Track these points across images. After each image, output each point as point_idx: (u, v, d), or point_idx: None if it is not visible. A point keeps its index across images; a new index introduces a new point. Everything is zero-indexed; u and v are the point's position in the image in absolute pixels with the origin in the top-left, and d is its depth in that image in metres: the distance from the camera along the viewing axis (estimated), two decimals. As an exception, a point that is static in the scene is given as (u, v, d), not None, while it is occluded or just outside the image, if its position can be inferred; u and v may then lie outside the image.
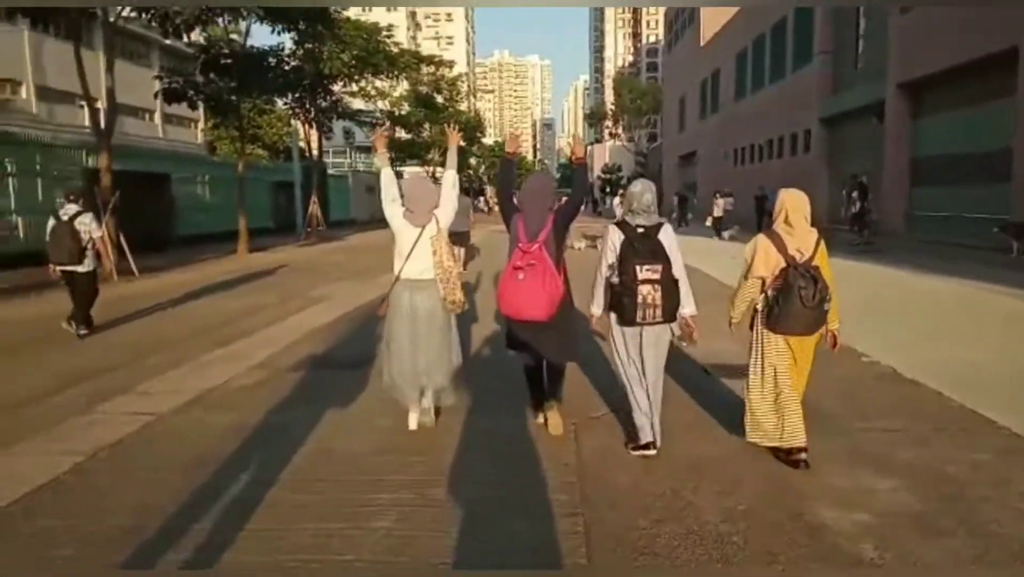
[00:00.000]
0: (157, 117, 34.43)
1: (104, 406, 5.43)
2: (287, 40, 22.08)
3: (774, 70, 34.43)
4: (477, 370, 6.42)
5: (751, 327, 4.28)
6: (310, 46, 20.57)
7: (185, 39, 18.16)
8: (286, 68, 21.02)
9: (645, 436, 4.29)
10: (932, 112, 21.20)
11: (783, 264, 4.00)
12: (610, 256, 4.20)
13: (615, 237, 4.20)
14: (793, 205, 4.06)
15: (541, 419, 4.85)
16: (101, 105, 18.14)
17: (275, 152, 38.49)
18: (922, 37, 20.37)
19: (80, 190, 8.89)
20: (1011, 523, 3.43)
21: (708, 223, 25.19)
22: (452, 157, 5.14)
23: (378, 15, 34.03)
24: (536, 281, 4.25)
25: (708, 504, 3.68)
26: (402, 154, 43.93)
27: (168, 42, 32.69)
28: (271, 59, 21.77)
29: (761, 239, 4.12)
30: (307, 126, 26.47)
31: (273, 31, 22.24)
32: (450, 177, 4.98)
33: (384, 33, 23.65)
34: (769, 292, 4.07)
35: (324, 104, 25.68)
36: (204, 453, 4.39)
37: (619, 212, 18.73)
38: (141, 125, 33.52)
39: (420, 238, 4.64)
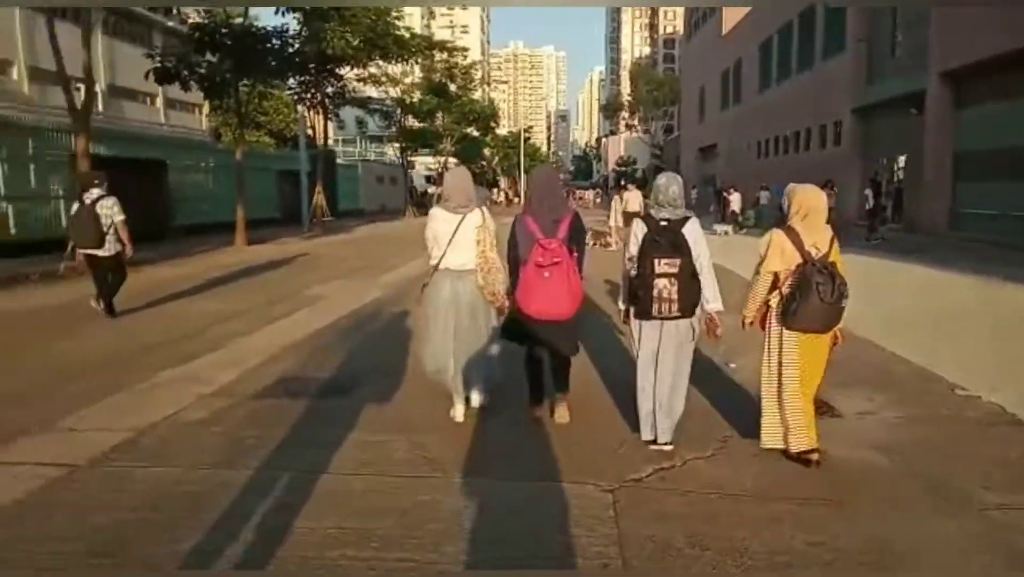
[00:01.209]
0: (159, 102, 33.35)
1: (5, 450, 4.27)
2: (291, 21, 20.95)
3: (802, 59, 32.88)
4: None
5: (763, 325, 4.20)
6: (314, 26, 19.28)
7: (182, 18, 16.98)
8: (290, 51, 19.79)
9: (645, 433, 4.31)
10: (978, 103, 19.72)
11: (799, 260, 3.95)
12: (632, 249, 4.17)
13: (638, 230, 4.15)
14: (812, 202, 4.03)
15: (539, 413, 4.80)
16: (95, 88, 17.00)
17: (282, 140, 37.29)
18: (967, 24, 18.87)
19: (103, 175, 8.83)
20: None
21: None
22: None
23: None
24: (562, 281, 4.21)
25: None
26: (414, 143, 42.71)
27: (170, 24, 31.70)
28: (274, 40, 20.64)
29: (776, 233, 4.05)
30: (313, 112, 25.22)
31: (277, 11, 21.11)
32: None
33: (394, 14, 22.35)
34: (784, 289, 4.00)
35: (331, 89, 24.47)
36: (110, 541, 3.18)
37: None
38: (142, 110, 32.37)
39: (460, 226, 4.61)
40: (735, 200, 25.01)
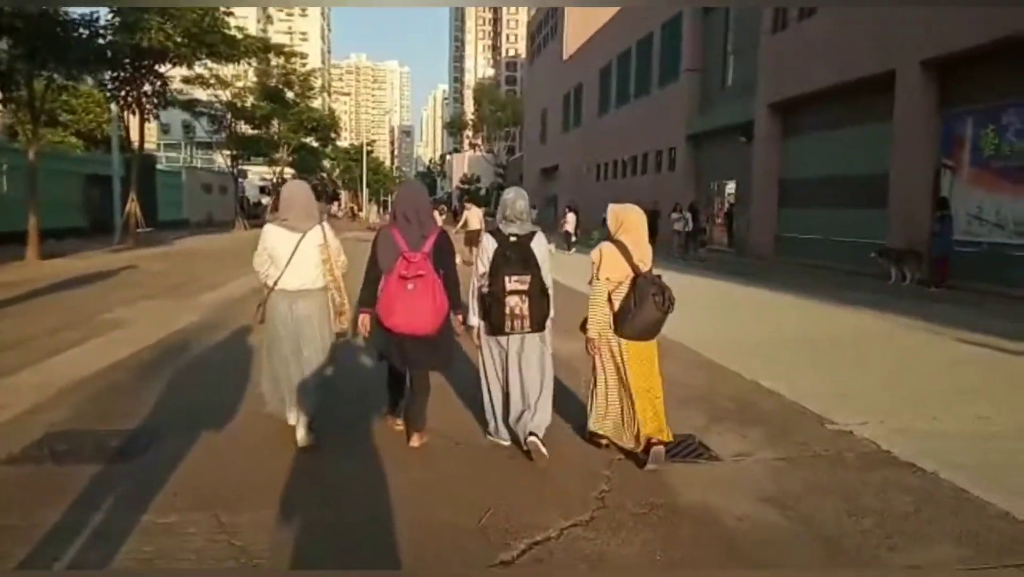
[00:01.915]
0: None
1: None
2: (103, 10, 18.49)
3: (639, 86, 34.10)
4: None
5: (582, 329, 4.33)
6: (128, 16, 16.97)
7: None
8: (99, 41, 17.38)
9: (502, 434, 4.43)
10: (803, 133, 21.01)
11: (629, 272, 4.15)
12: (482, 265, 4.20)
13: (489, 245, 4.18)
14: (635, 220, 4.26)
15: (399, 426, 4.69)
16: None
17: (92, 141, 33.37)
18: (795, 57, 20.10)
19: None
20: None
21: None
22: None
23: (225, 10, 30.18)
24: (426, 295, 4.10)
25: None
26: (246, 151, 39.92)
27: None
28: (81, 30, 18.14)
29: (606, 246, 4.24)
30: (127, 112, 22.46)
31: (86, -2, 18.62)
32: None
33: (223, 11, 20.36)
34: (615, 300, 4.15)
35: (149, 88, 21.94)
36: None
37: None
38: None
39: (300, 245, 4.42)
40: (570, 220, 25.08)
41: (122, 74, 20.52)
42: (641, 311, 4.07)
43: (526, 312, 4.05)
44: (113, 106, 23.73)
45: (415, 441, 4.48)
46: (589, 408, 4.45)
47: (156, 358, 6.91)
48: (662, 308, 4.09)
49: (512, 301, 4.04)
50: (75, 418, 4.96)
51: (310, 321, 4.50)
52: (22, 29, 14.87)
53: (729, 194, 26.43)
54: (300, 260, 4.42)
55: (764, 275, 16.63)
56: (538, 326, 4.15)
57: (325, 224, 4.61)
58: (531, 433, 4.19)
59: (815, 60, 18.97)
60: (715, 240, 25.73)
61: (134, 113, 22.38)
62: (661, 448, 4.13)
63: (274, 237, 4.45)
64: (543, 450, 4.16)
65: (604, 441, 4.42)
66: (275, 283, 4.46)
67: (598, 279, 4.21)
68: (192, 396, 5.63)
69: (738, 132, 24.07)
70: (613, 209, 4.37)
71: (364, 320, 4.42)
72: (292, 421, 4.51)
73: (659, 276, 4.19)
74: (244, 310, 9.85)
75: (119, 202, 23.62)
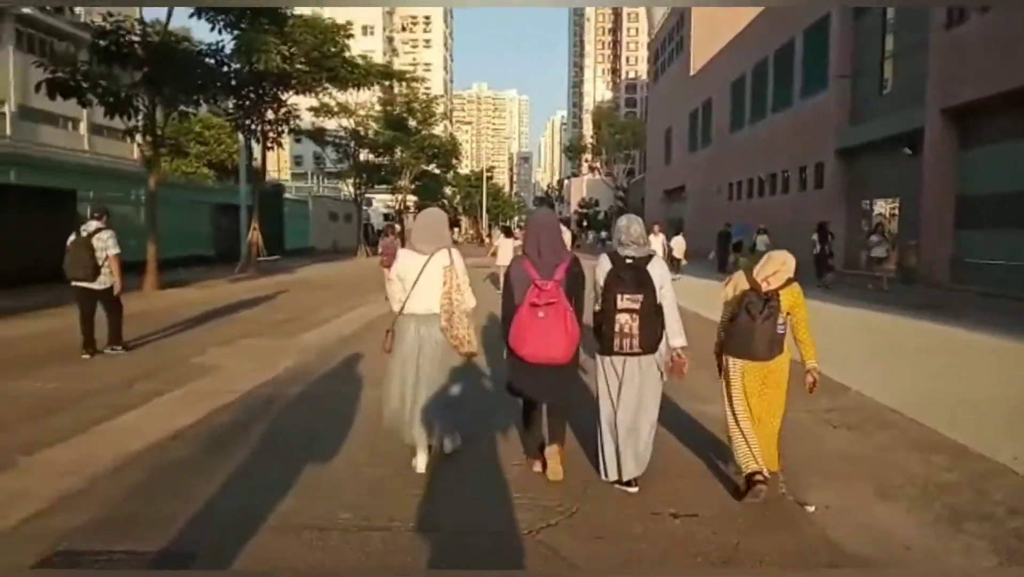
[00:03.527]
0: (83, 127, 30.21)
1: None
2: (227, 38, 18.41)
3: (778, 98, 31.38)
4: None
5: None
6: (244, 37, 16.60)
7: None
8: (217, 66, 17.16)
9: (609, 473, 4.26)
10: (988, 142, 17.95)
11: (747, 288, 4.11)
12: (598, 285, 4.20)
13: (604, 266, 4.20)
14: (774, 264, 4.14)
15: (538, 466, 4.49)
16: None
17: (224, 171, 34.35)
18: (977, 54, 17.23)
19: (103, 207, 8.68)
20: None
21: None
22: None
23: (357, 43, 30.16)
24: (558, 321, 4.03)
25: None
26: (370, 179, 40.14)
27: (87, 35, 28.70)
28: (208, 59, 18.09)
29: (737, 274, 4.29)
30: (251, 139, 22.42)
31: (212, 28, 18.57)
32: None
33: (343, 33, 19.91)
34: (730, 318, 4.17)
35: (272, 115, 21.85)
36: None
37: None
38: (61, 135, 29.18)
39: (427, 267, 4.43)
40: (677, 245, 21.01)
41: (246, 102, 20.43)
42: (737, 321, 4.07)
43: (635, 331, 4.02)
44: (240, 135, 23.93)
45: (554, 464, 4.36)
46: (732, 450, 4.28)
47: (229, 424, 5.63)
48: (758, 314, 4.00)
49: (623, 319, 4.02)
50: (98, 525, 3.66)
51: (438, 345, 4.45)
52: (140, 55, 14.64)
53: (878, 214, 23.40)
54: (426, 284, 4.41)
55: (946, 308, 13.91)
56: (648, 348, 4.09)
57: (453, 249, 4.54)
58: (625, 482, 4.22)
59: (1005, 56, 16.07)
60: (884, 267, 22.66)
61: (259, 141, 22.34)
62: (762, 488, 4.02)
63: (404, 261, 4.49)
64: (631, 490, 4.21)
65: (759, 479, 4.07)
66: (402, 307, 4.45)
67: (725, 299, 4.27)
68: (261, 482, 4.26)
69: (901, 143, 21.17)
70: (770, 254, 4.27)
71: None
72: (417, 445, 4.47)
73: (776, 293, 4.08)
74: (348, 351, 8.66)
75: (245, 231, 23.69)
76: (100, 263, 8.21)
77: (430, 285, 4.41)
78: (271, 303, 14.42)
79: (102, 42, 14.44)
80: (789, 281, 4.14)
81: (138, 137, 16.27)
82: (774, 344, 4.08)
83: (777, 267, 4.13)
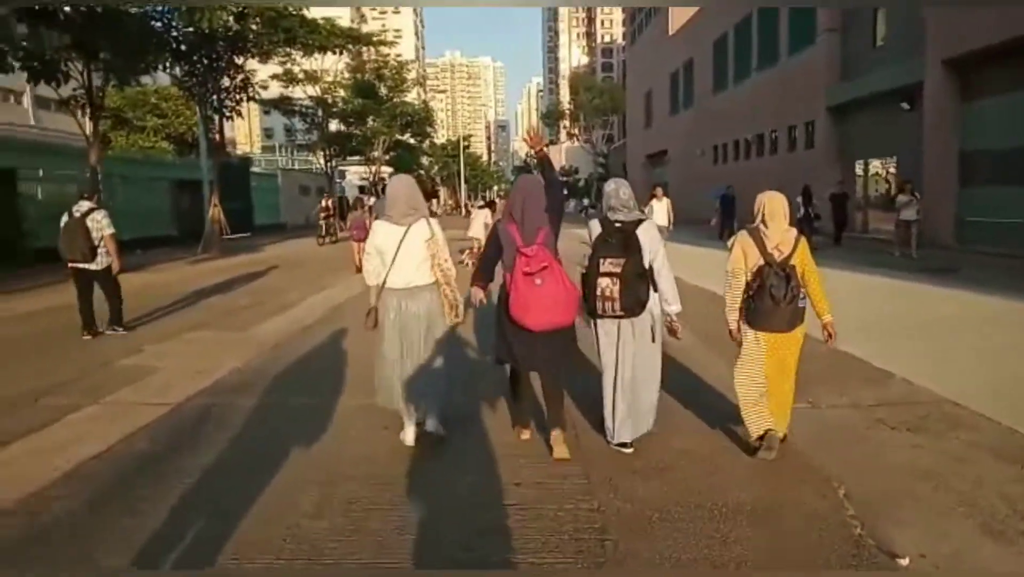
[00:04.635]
0: (26, 100, 28.26)
1: None
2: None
3: (763, 56, 30.15)
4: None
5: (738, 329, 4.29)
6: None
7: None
8: (158, 27, 15.57)
9: (609, 434, 4.34)
10: (994, 93, 16.90)
11: (761, 262, 4.09)
12: (588, 249, 4.23)
13: (594, 230, 4.23)
14: (770, 205, 4.13)
15: (526, 435, 4.58)
16: None
17: (187, 145, 32.51)
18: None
19: (93, 187, 8.99)
20: None
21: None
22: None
23: (321, 10, 28.27)
24: (557, 285, 4.07)
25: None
26: (342, 151, 38.46)
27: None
28: (155, 22, 16.53)
29: (741, 236, 4.23)
30: (206, 109, 20.78)
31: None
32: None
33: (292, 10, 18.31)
34: (748, 291, 4.14)
35: (228, 82, 20.28)
36: None
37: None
38: (1, 109, 27.26)
39: (406, 238, 4.28)
40: (660, 210, 16.43)
41: (198, 68, 18.86)
42: (761, 302, 4.07)
43: (616, 295, 4.03)
44: (197, 106, 22.31)
45: (559, 442, 4.27)
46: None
47: (137, 458, 4.45)
48: (782, 299, 4.01)
49: (604, 283, 4.04)
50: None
51: (421, 320, 4.35)
52: (67, 15, 13.07)
53: (885, 172, 22.44)
54: (406, 256, 4.28)
55: (963, 273, 12.94)
56: (630, 310, 4.09)
57: (432, 219, 4.44)
58: (620, 443, 4.30)
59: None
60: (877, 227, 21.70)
61: (216, 111, 20.79)
62: (776, 435, 4.18)
63: (380, 233, 4.32)
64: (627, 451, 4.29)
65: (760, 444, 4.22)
66: (383, 282, 4.33)
67: (732, 268, 4.23)
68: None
69: (898, 99, 20.13)
70: (759, 197, 4.23)
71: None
72: (404, 415, 4.42)
73: (792, 266, 4.06)
74: (309, 344, 7.51)
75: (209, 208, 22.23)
76: (96, 243, 8.20)
77: (411, 257, 4.27)
78: (230, 287, 13.13)
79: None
80: (796, 240, 4.12)
81: (77, 109, 14.75)
82: (795, 317, 4.11)
83: (783, 231, 4.11)
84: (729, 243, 4.32)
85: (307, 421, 4.97)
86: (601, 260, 4.07)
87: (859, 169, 23.88)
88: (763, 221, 4.14)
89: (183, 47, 17.28)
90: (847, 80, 23.58)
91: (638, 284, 4.07)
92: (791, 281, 4.01)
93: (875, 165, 23.07)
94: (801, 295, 4.06)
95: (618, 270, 4.03)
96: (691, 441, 4.56)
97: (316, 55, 27.63)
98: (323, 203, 26.15)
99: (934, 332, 7.89)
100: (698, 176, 36.96)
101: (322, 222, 24.99)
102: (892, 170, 21.89)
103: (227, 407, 5.38)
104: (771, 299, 4.01)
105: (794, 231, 4.16)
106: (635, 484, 3.92)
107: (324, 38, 20.77)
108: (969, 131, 17.66)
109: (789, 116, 27.47)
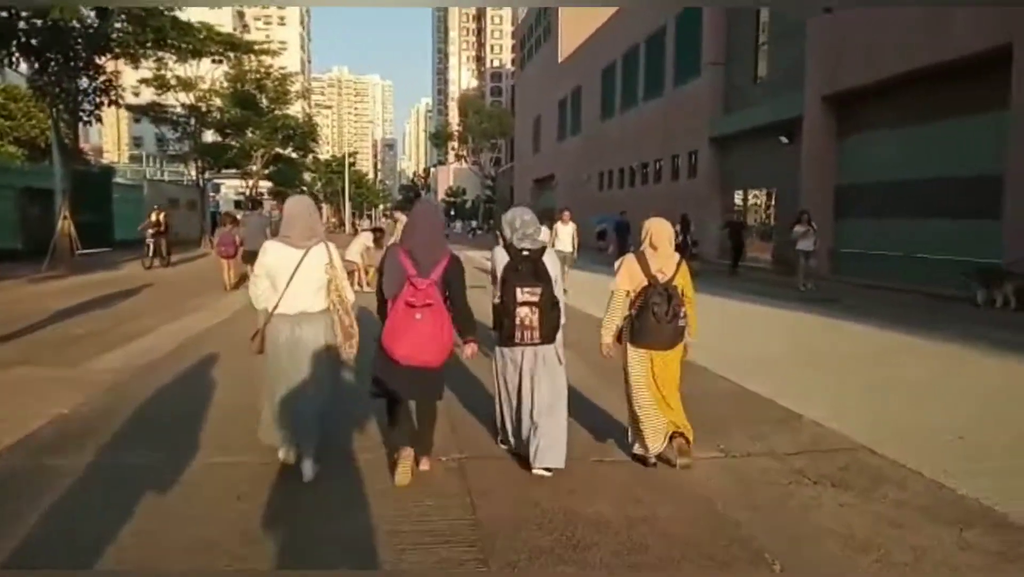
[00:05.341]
0: None
1: None
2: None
3: (650, 86, 30.89)
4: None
5: (621, 345, 4.44)
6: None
7: None
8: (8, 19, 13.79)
9: (521, 450, 4.34)
10: (867, 129, 17.72)
11: (645, 282, 4.26)
12: (496, 278, 4.24)
13: (501, 259, 4.23)
14: (657, 231, 4.37)
15: (406, 454, 4.16)
16: None
17: (39, 151, 29.49)
18: (859, 40, 16.87)
19: None
20: None
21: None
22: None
23: (202, 14, 26.21)
24: (436, 325, 3.88)
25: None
26: (216, 163, 36.19)
27: None
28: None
29: (628, 258, 4.44)
30: (59, 112, 18.69)
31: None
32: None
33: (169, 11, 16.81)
34: (632, 310, 4.30)
35: (87, 83, 18.40)
36: None
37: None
38: None
39: (303, 264, 4.04)
40: (564, 235, 14.87)
41: (51, 65, 16.95)
42: (643, 320, 4.22)
43: (536, 323, 4.07)
44: (53, 109, 20.10)
45: (424, 465, 4.27)
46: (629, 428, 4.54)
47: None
48: (664, 317, 4.19)
49: (523, 312, 4.07)
50: None
51: (311, 347, 4.11)
52: None
53: (763, 204, 23.23)
54: (302, 281, 4.05)
55: (842, 302, 13.29)
56: (547, 338, 4.15)
57: (330, 244, 4.23)
58: (540, 467, 4.20)
59: (888, 41, 15.74)
60: (755, 256, 22.30)
61: (70, 114, 18.77)
62: (682, 440, 4.31)
63: (274, 255, 4.07)
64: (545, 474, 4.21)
65: (651, 460, 4.42)
66: (275, 307, 4.07)
67: (617, 288, 4.37)
68: None
69: (777, 132, 20.88)
70: (646, 223, 4.46)
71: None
72: (287, 458, 4.19)
73: (674, 287, 4.26)
74: (153, 385, 6.39)
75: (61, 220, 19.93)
76: None
77: (308, 283, 4.06)
78: (72, 311, 11.48)
79: None
80: (678, 264, 4.34)
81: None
82: (676, 335, 4.30)
83: (667, 256, 4.34)
84: (616, 264, 4.47)
85: (141, 487, 3.98)
86: (518, 289, 4.06)
87: (738, 199, 24.65)
88: (651, 244, 4.35)
89: (33, 41, 15.41)
90: (729, 113, 24.36)
91: (553, 312, 4.15)
92: (673, 300, 4.22)
93: (754, 195, 23.84)
94: (682, 313, 4.25)
95: (536, 299, 4.07)
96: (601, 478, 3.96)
97: (191, 60, 25.84)
98: (151, 217, 20.26)
99: (827, 365, 7.81)
100: (584, 202, 37.39)
101: (150, 241, 19.71)
102: (771, 201, 22.68)
103: (40, 470, 4.30)
104: (653, 317, 4.19)
105: (677, 255, 4.41)
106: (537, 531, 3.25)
107: (199, 42, 19.23)
108: (844, 166, 18.46)
109: (674, 145, 28.15)
